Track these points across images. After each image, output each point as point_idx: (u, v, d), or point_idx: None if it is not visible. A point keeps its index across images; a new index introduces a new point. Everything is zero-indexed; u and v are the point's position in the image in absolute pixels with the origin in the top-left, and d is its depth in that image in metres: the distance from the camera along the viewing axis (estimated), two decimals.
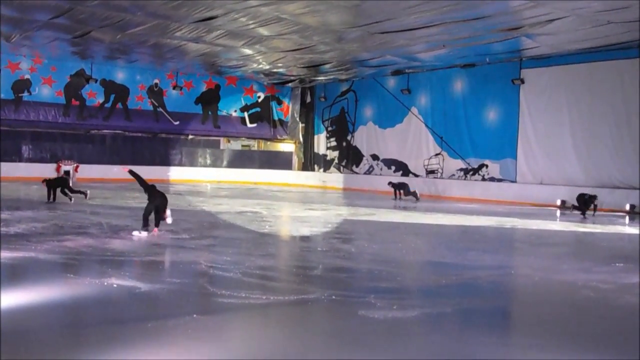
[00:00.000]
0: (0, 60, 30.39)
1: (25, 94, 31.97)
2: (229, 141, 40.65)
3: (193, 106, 36.75)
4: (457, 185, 29.21)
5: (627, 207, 22.31)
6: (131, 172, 13.77)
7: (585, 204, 20.61)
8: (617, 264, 11.01)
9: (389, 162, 33.12)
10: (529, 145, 26.53)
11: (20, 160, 32.40)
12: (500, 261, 11.43)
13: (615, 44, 22.16)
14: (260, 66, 31.17)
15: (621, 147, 23.33)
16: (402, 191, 26.50)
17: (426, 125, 31.27)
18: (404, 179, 29.24)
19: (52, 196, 19.17)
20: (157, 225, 13.01)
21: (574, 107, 24.86)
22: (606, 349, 6.14)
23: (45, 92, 32.49)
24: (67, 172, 32.30)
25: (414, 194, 26.17)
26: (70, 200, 19.23)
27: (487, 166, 28.15)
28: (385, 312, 7.03)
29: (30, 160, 32.80)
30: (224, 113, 37.78)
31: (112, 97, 34.36)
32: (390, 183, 27.05)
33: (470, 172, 29.02)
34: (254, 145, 42.17)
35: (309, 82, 37.09)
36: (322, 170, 38.21)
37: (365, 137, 34.97)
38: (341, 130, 36.83)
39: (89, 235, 12.51)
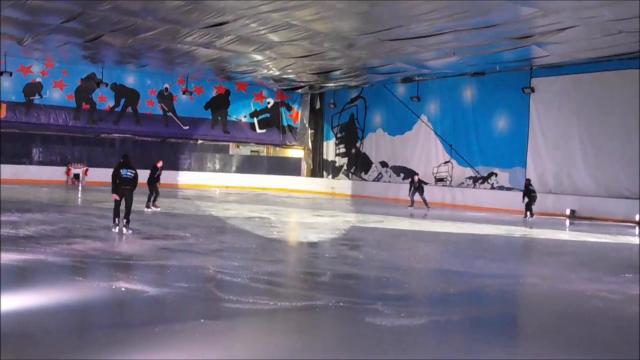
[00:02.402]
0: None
1: (37, 97, 32.13)
2: (238, 146, 40.67)
3: (203, 111, 36.85)
4: (466, 193, 29.15)
5: (637, 218, 22.17)
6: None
7: None
8: (626, 275, 10.95)
9: (397, 170, 33.08)
10: (539, 154, 26.45)
11: (30, 163, 32.52)
12: (508, 270, 11.40)
13: (625, 53, 22.10)
14: (270, 72, 31.23)
15: (631, 157, 23.18)
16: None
17: (435, 133, 31.24)
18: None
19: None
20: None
21: (584, 116, 24.78)
22: (615, 358, 6.11)
23: (56, 95, 32.65)
24: (76, 175, 32.45)
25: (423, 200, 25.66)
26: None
27: (496, 174, 28.08)
28: (392, 319, 7.02)
29: (41, 163, 32.91)
30: (233, 118, 37.87)
31: (122, 101, 34.51)
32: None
33: (479, 180, 28.96)
34: (263, 150, 42.19)
35: (318, 89, 37.15)
36: (330, 176, 38.21)
37: (375, 144, 34.97)
38: (350, 136, 36.84)
39: (97, 238, 12.54)
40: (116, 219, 13.74)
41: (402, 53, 24.43)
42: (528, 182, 23.62)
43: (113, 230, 13.59)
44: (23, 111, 31.81)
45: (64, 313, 7.00)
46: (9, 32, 24.26)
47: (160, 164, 19.91)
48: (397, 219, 20.47)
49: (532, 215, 22.93)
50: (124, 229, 13.50)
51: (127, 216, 13.62)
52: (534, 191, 23.18)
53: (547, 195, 25.72)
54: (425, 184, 26.83)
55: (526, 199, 23.03)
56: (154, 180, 19.31)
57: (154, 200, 19.25)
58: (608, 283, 10.03)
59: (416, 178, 26.12)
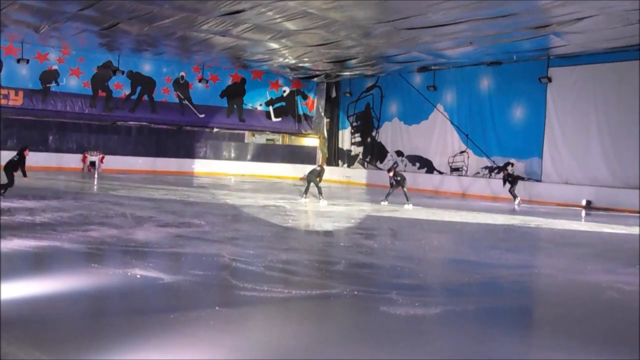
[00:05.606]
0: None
1: (53, 84, 32.24)
2: (253, 135, 40.71)
3: (218, 99, 36.84)
4: (482, 183, 29.04)
5: None
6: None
7: None
8: None
9: (413, 159, 32.98)
10: (555, 145, 26.26)
11: (46, 150, 32.69)
12: (523, 260, 11.36)
13: None
14: (286, 60, 31.16)
15: None
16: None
17: (451, 123, 31.10)
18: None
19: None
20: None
21: (602, 107, 24.56)
22: (630, 350, 6.07)
23: (72, 83, 32.76)
24: (92, 163, 32.64)
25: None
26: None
27: (512, 164, 27.90)
28: (407, 308, 7.02)
29: (57, 150, 33.09)
30: (249, 107, 37.84)
31: (139, 89, 34.55)
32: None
33: (495, 171, 28.83)
34: (279, 139, 42.21)
35: (334, 77, 37.02)
36: (346, 165, 38.15)
37: (390, 133, 34.85)
38: (366, 126, 36.74)
39: (113, 225, 12.62)
40: None
41: (418, 42, 24.28)
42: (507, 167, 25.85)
43: None
44: (40, 98, 31.94)
45: (79, 299, 7.05)
46: (26, 20, 24.36)
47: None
48: (412, 208, 20.39)
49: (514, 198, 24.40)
50: None
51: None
52: (511, 177, 24.81)
53: (564, 185, 25.60)
54: (400, 175, 21.57)
55: (508, 185, 24.49)
56: None
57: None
58: (623, 274, 9.98)
59: (391, 173, 21.58)
